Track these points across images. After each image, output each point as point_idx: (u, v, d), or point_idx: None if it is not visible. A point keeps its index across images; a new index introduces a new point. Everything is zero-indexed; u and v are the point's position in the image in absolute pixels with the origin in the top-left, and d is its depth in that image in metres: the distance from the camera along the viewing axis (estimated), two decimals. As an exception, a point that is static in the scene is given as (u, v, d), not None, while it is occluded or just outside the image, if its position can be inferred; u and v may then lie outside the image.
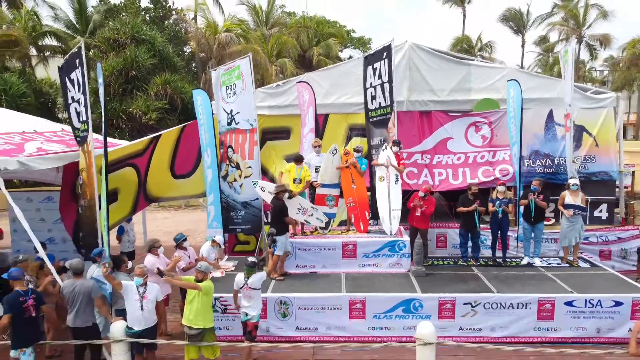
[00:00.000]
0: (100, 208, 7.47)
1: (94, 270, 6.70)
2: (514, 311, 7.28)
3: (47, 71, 28.55)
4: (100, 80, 7.41)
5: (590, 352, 6.17)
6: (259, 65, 23.63)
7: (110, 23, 24.96)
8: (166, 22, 34.71)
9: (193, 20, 28.66)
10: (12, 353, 5.74)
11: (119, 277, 6.42)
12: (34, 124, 10.40)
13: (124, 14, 31.70)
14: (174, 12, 35.17)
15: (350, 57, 40.63)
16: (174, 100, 22.46)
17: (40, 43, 26.11)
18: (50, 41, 26.67)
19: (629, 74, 36.05)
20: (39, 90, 24.20)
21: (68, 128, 11.22)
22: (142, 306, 6.07)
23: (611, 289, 7.53)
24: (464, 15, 43.29)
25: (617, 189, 11.09)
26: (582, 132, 10.90)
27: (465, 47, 36.71)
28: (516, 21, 43.53)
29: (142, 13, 31.74)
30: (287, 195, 8.31)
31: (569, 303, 7.23)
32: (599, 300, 7.20)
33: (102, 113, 7.22)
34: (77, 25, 28.55)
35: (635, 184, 15.26)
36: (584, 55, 37.62)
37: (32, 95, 21.29)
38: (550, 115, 10.85)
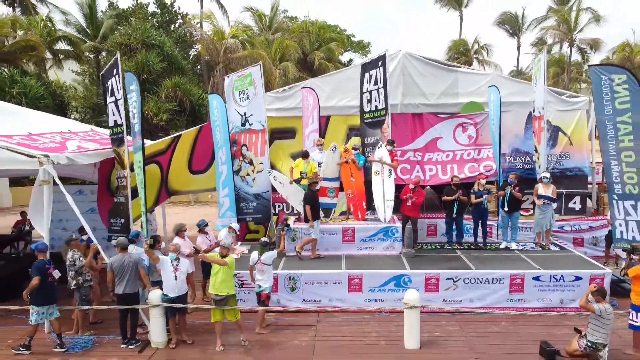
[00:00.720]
0: (132, 199, 8.78)
1: (132, 249, 7.91)
2: (489, 285, 8.50)
3: (56, 73, 29.85)
4: (132, 87, 8.62)
5: (548, 314, 7.40)
6: (263, 69, 24.79)
7: (122, 29, 26.14)
8: (172, 26, 35.99)
9: (198, 25, 29.83)
10: (32, 308, 7.11)
11: (155, 253, 7.64)
12: (67, 124, 11.64)
13: (132, 18, 32.98)
14: (179, 17, 36.46)
15: (350, 60, 41.86)
16: (183, 102, 23.66)
17: (54, 47, 27.34)
18: (63, 45, 27.92)
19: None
20: (53, 92, 25.46)
21: (97, 129, 12.51)
22: (175, 277, 7.31)
23: (574, 266, 8.76)
24: (461, 19, 44.56)
25: (590, 184, 12.32)
26: (558, 132, 12.14)
27: (461, 50, 37.95)
28: (512, 24, 44.75)
29: (150, 18, 32.91)
30: (318, 187, 9.60)
31: (537, 278, 8.46)
32: (562, 275, 8.43)
33: (138, 117, 8.43)
34: (87, 30, 29.84)
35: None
36: (577, 58, 38.85)
37: (49, 98, 22.48)
38: (529, 117, 12.05)
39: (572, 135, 12.12)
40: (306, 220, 9.49)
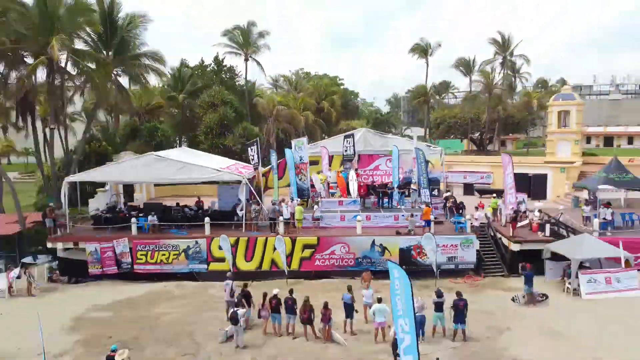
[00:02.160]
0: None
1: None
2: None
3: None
4: (272, 157, 25.63)
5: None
6: (292, 117, 42.22)
7: (208, 92, 43.28)
8: (224, 76, 53.06)
9: (260, 97, 47.01)
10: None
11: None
12: (225, 161, 28.68)
13: (198, 71, 50.09)
14: (228, 71, 53.52)
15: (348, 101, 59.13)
16: (248, 138, 40.71)
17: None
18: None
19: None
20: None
21: (238, 162, 29.72)
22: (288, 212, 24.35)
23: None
24: (427, 64, 61.35)
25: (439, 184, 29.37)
26: (428, 162, 29.07)
27: (421, 92, 54.96)
28: (465, 67, 61.64)
29: (214, 75, 50.02)
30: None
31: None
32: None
33: (274, 162, 25.45)
34: (177, 87, 47.00)
35: (494, 184, 34.13)
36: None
37: (176, 141, 39.60)
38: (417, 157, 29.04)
39: (434, 163, 29.08)
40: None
